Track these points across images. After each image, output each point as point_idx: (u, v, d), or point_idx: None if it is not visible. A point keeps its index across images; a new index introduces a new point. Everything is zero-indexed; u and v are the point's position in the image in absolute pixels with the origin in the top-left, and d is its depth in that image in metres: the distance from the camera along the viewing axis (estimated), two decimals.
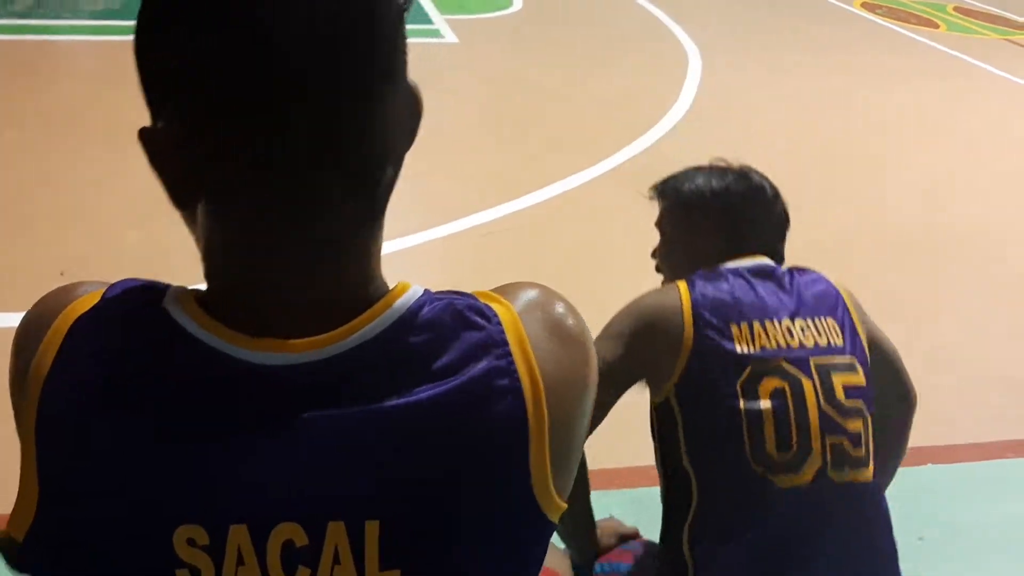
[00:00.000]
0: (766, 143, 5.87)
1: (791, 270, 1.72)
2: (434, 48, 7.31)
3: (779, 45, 8.32)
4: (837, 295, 1.68)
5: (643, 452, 1.77)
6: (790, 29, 8.99)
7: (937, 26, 9.70)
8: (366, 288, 0.68)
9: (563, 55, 7.47)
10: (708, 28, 8.49)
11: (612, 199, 4.83)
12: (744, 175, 1.80)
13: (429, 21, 7.97)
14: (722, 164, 1.84)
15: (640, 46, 7.88)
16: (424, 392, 0.64)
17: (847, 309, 1.66)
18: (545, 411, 0.67)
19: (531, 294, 0.74)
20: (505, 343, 0.67)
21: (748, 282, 1.64)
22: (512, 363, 0.67)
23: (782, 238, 1.81)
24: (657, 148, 5.56)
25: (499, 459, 0.66)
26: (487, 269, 4.14)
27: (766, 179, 1.83)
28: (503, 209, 4.58)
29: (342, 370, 0.64)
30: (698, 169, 1.85)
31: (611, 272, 3.95)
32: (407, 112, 0.70)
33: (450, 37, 7.56)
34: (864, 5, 10.28)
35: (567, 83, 6.75)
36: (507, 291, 0.74)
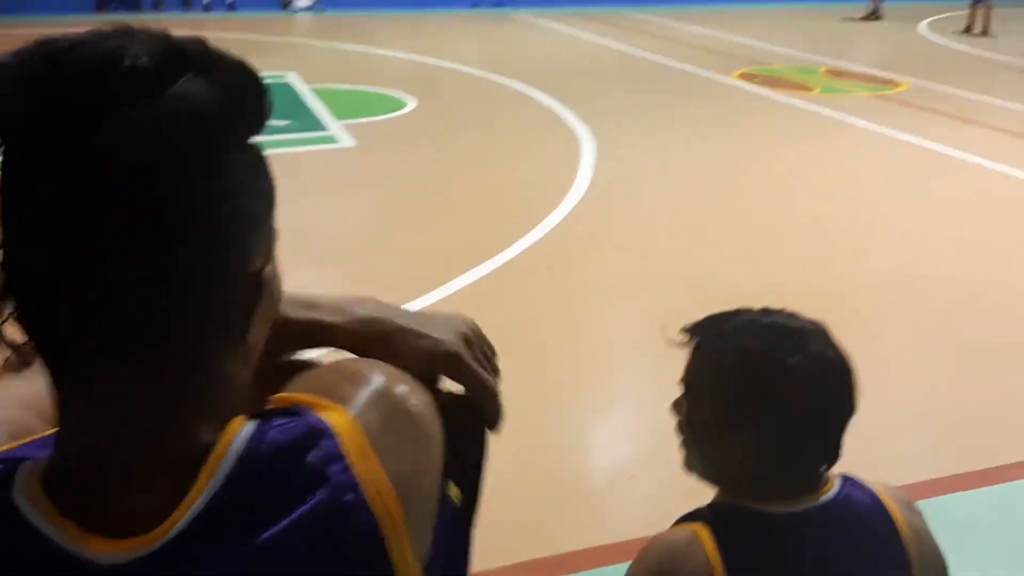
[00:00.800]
0: (666, 218, 6.04)
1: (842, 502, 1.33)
2: (330, 154, 7.36)
3: (667, 122, 8.65)
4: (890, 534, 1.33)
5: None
6: (676, 105, 9.36)
7: (811, 89, 10.22)
8: (197, 439, 0.66)
9: (459, 150, 7.61)
10: (598, 112, 8.77)
11: (514, 290, 4.89)
12: (820, 344, 1.32)
13: (323, 128, 8.05)
14: (784, 318, 1.37)
15: (535, 135, 8.08)
16: (270, 536, 0.62)
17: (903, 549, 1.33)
18: (398, 510, 0.66)
19: (372, 384, 0.71)
20: (342, 457, 0.65)
21: (797, 546, 1.31)
22: (353, 477, 0.65)
23: (844, 428, 1.34)
24: (557, 234, 5.65)
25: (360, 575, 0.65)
26: None
27: (834, 344, 1.35)
28: (412, 306, 4.57)
29: (185, 551, 0.62)
30: (753, 320, 1.36)
31: (509, 370, 3.97)
32: (228, 249, 0.65)
33: (347, 142, 7.64)
34: (742, 76, 10.79)
35: (464, 178, 6.86)
36: (349, 382, 0.72)
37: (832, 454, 1.32)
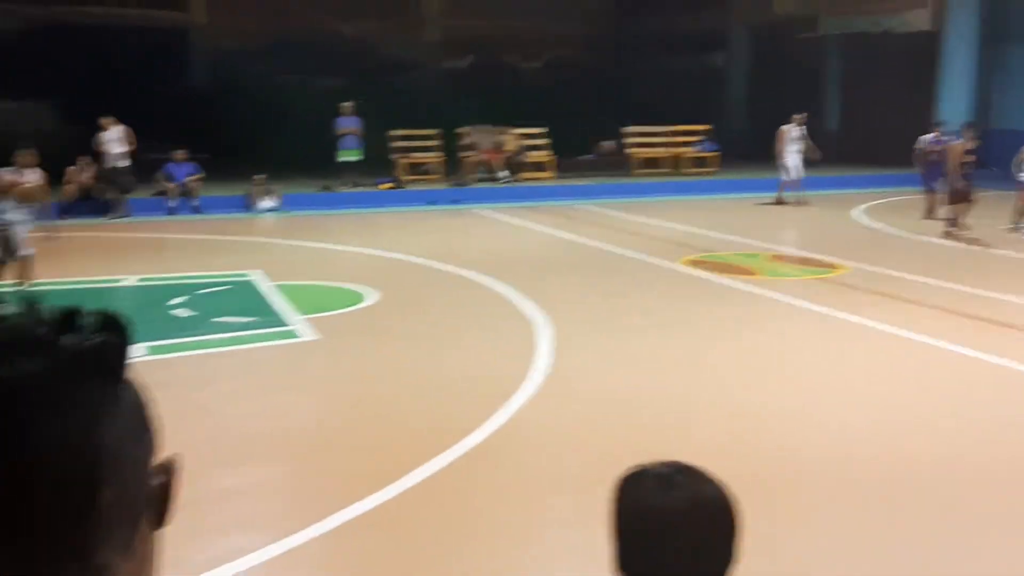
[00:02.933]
0: (622, 404, 6.18)
1: None
2: (290, 349, 7.50)
3: (620, 308, 8.96)
4: None
5: None
6: (628, 292, 9.73)
7: (753, 273, 10.69)
8: None
9: (416, 342, 7.79)
10: (552, 300, 9.08)
11: (478, 481, 4.94)
12: (694, 485, 1.44)
13: (284, 323, 8.22)
14: (670, 469, 1.48)
15: (491, 325, 8.31)
16: None
17: None
18: None
19: None
20: None
21: None
22: None
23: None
24: (514, 423, 5.76)
25: None
26: (363, 570, 4.10)
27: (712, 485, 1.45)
28: (369, 502, 4.58)
29: None
30: (645, 472, 1.48)
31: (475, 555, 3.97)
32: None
33: (308, 335, 7.79)
34: (689, 263, 11.27)
35: (423, 367, 7.00)
36: None
37: None
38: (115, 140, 15.60)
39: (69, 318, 0.74)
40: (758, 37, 28.85)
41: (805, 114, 18.22)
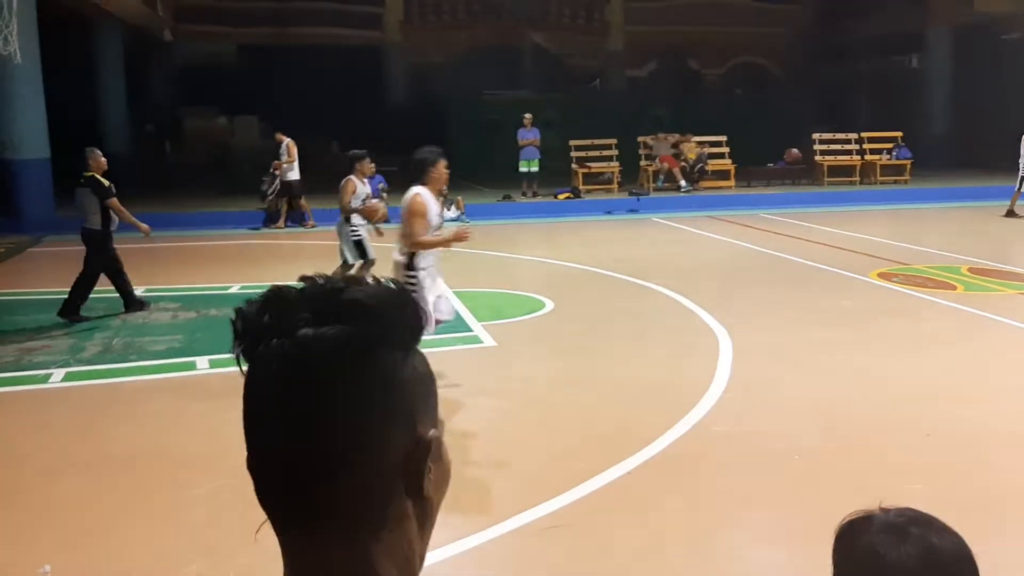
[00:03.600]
0: (812, 417, 5.97)
1: None
2: (474, 353, 7.69)
3: (804, 321, 8.64)
4: None
5: None
6: (812, 304, 9.37)
7: (954, 288, 10.05)
8: None
9: (596, 348, 7.82)
10: (735, 312, 8.89)
11: (660, 486, 4.89)
12: (926, 536, 1.34)
13: (468, 329, 8.44)
14: (895, 515, 1.39)
15: (670, 333, 8.23)
16: None
17: None
18: None
19: None
20: None
21: None
22: None
23: None
24: (698, 432, 5.67)
25: None
26: (550, 572, 4.15)
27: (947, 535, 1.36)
28: (556, 503, 4.64)
29: None
30: (875, 520, 1.39)
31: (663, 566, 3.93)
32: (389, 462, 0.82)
33: (489, 341, 7.97)
34: (880, 275, 10.74)
35: (602, 375, 7.01)
36: None
37: None
38: (284, 154, 16.28)
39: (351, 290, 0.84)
40: (958, 38, 27.13)
41: None
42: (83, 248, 9.21)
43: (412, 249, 6.54)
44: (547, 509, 4.59)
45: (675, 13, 27.08)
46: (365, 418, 0.80)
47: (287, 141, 16.03)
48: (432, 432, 0.85)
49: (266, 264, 12.55)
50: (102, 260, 9.13)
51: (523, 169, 19.26)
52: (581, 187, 19.96)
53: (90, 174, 9.12)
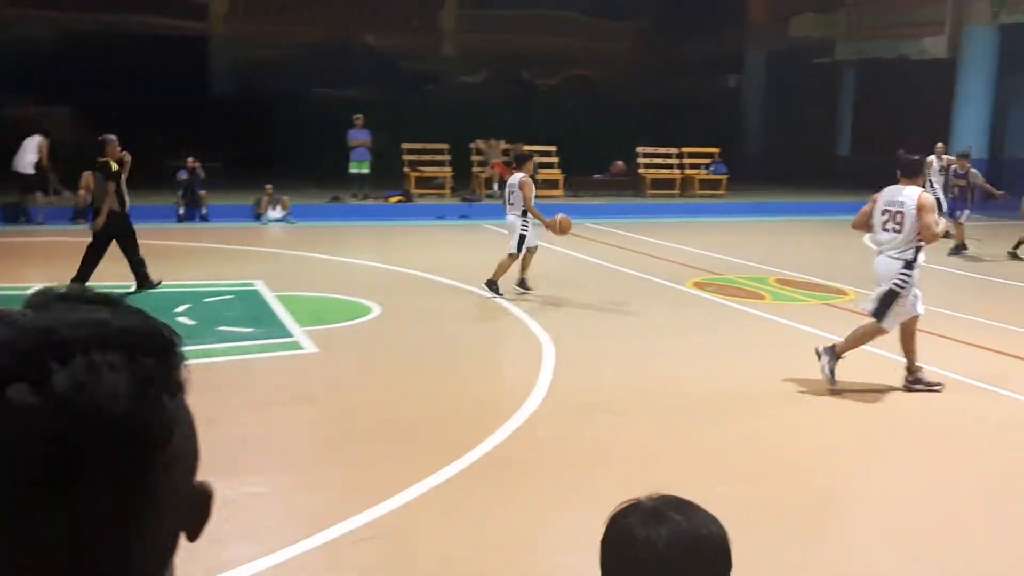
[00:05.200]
0: (625, 422, 6.11)
1: None
2: (293, 360, 7.45)
3: (625, 329, 8.88)
4: None
5: None
6: (633, 312, 9.65)
7: (763, 297, 10.61)
8: None
9: (420, 354, 7.74)
10: (560, 318, 9.03)
11: (479, 492, 4.87)
12: (684, 521, 1.36)
13: (288, 335, 8.17)
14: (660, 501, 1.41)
15: (496, 339, 8.28)
16: None
17: None
18: None
19: None
20: None
21: None
22: None
23: None
24: (518, 437, 5.69)
25: None
26: None
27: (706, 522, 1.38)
28: (371, 513, 4.52)
29: None
30: (638, 505, 1.41)
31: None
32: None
33: (310, 347, 7.74)
34: (696, 284, 11.20)
35: (425, 381, 6.94)
36: None
37: None
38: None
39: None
40: (773, 61, 28.83)
41: (941, 144, 16.72)
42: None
43: None
44: (362, 520, 4.47)
45: (508, 23, 27.43)
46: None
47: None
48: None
49: None
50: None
51: (353, 171, 18.95)
52: (413, 191, 19.84)
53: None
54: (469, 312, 9.49)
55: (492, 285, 10.04)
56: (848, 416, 6.37)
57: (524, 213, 10.15)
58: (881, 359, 7.79)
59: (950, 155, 15.88)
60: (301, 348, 7.75)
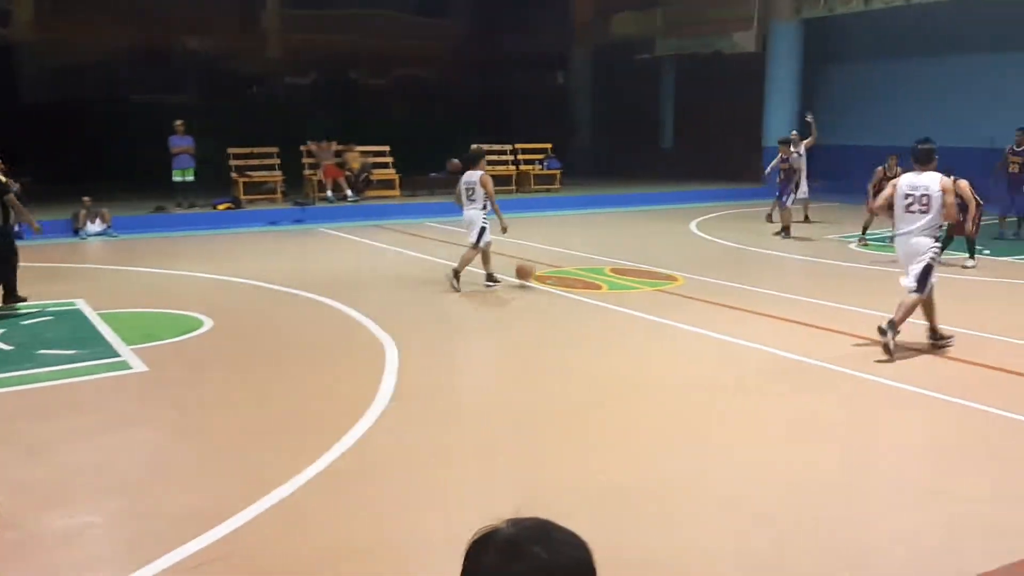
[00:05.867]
0: (473, 420, 6.12)
1: None
2: (120, 381, 7.05)
3: (465, 327, 8.91)
4: None
5: None
6: (472, 310, 9.69)
7: (600, 287, 10.88)
8: None
9: (257, 367, 7.49)
10: (401, 320, 8.94)
11: (324, 504, 4.74)
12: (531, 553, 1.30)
13: (115, 354, 7.73)
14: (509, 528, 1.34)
15: (336, 346, 8.09)
16: None
17: None
18: None
19: None
20: None
21: None
22: None
23: None
24: (363, 445, 5.59)
25: None
26: None
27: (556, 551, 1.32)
28: (211, 536, 4.33)
29: None
30: (494, 536, 1.34)
31: None
32: None
33: (139, 367, 7.35)
34: (536, 278, 11.34)
35: (263, 395, 6.72)
36: None
37: None
38: None
39: None
40: (599, 57, 29.64)
41: (795, 133, 17.21)
42: None
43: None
44: (203, 542, 4.27)
45: (334, 23, 26.98)
46: None
47: None
48: None
49: None
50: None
51: (177, 179, 18.17)
52: (242, 197, 19.22)
53: None
54: (307, 319, 9.26)
55: (489, 277, 10.93)
56: (694, 400, 6.61)
57: (484, 207, 10.74)
58: (731, 346, 8.14)
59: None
60: (130, 368, 7.35)
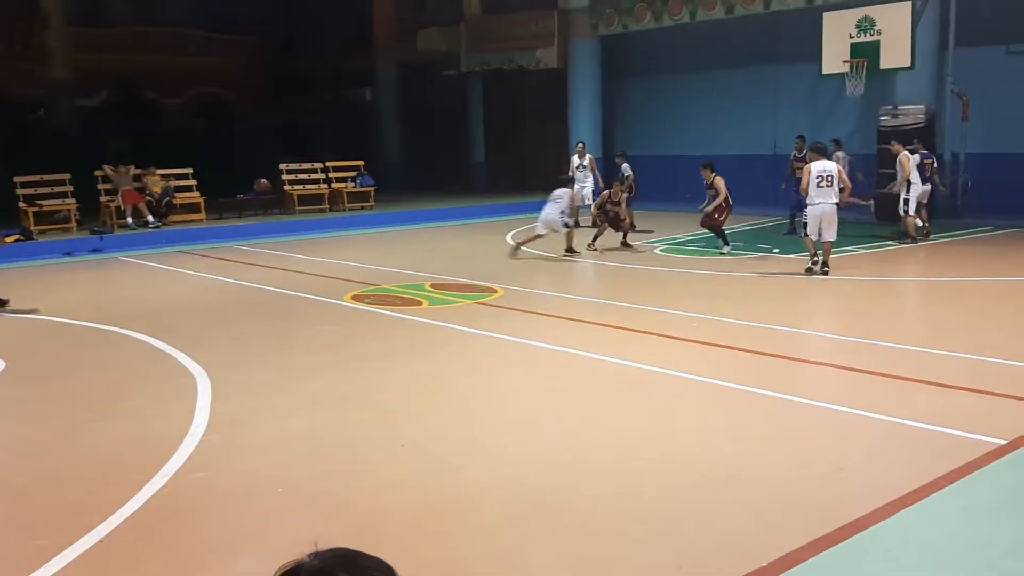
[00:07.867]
0: (296, 449, 5.94)
1: None
2: None
3: (284, 350, 8.64)
4: None
5: None
6: (291, 333, 9.43)
7: (421, 303, 10.86)
8: None
9: (57, 408, 6.98)
10: (214, 348, 8.58)
11: (139, 547, 4.47)
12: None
13: None
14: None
15: (142, 381, 7.66)
16: None
17: None
18: None
19: None
20: None
21: None
22: None
23: None
24: (177, 481, 5.31)
25: None
26: None
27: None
28: None
29: None
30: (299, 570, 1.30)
31: None
32: None
33: None
34: (354, 298, 11.20)
35: (66, 437, 6.26)
36: None
37: None
38: None
39: None
40: (405, 74, 29.67)
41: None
42: None
43: None
44: None
45: (123, 40, 25.72)
46: None
47: None
48: None
49: None
50: None
51: None
52: (33, 228, 17.93)
53: None
54: (110, 355, 8.72)
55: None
56: (497, 406, 6.69)
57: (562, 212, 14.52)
58: (544, 351, 8.29)
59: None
60: None
